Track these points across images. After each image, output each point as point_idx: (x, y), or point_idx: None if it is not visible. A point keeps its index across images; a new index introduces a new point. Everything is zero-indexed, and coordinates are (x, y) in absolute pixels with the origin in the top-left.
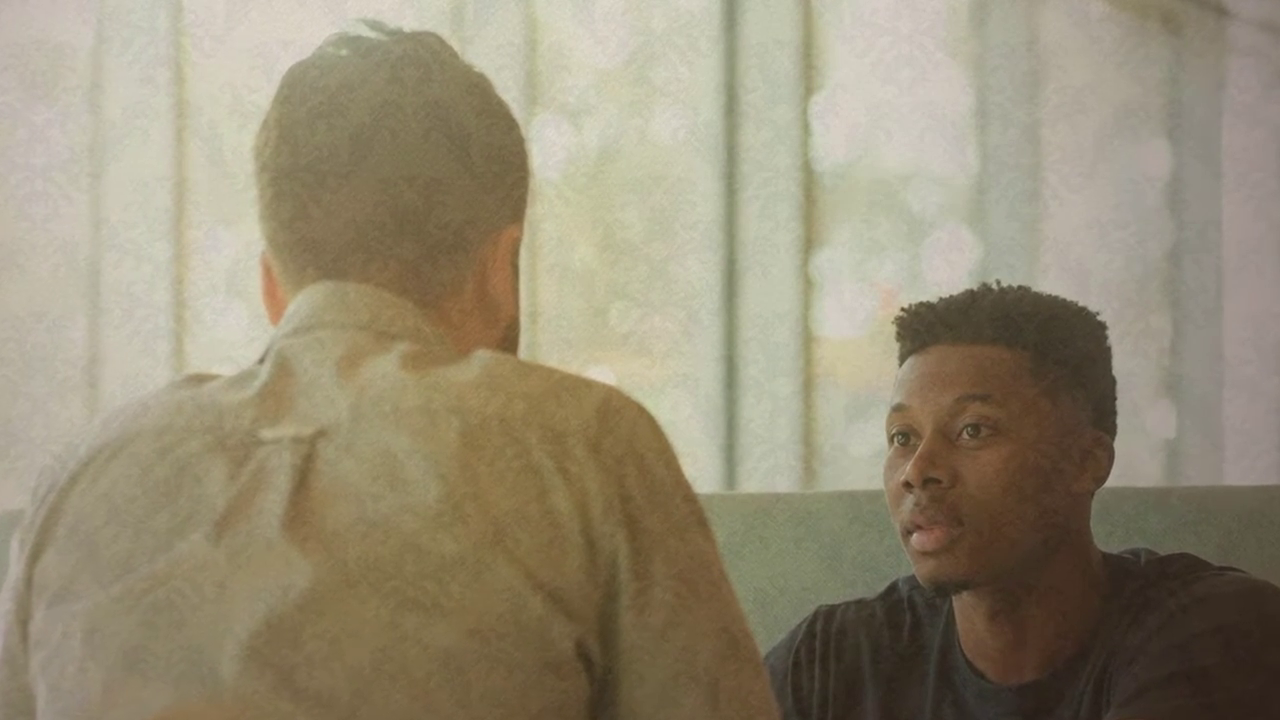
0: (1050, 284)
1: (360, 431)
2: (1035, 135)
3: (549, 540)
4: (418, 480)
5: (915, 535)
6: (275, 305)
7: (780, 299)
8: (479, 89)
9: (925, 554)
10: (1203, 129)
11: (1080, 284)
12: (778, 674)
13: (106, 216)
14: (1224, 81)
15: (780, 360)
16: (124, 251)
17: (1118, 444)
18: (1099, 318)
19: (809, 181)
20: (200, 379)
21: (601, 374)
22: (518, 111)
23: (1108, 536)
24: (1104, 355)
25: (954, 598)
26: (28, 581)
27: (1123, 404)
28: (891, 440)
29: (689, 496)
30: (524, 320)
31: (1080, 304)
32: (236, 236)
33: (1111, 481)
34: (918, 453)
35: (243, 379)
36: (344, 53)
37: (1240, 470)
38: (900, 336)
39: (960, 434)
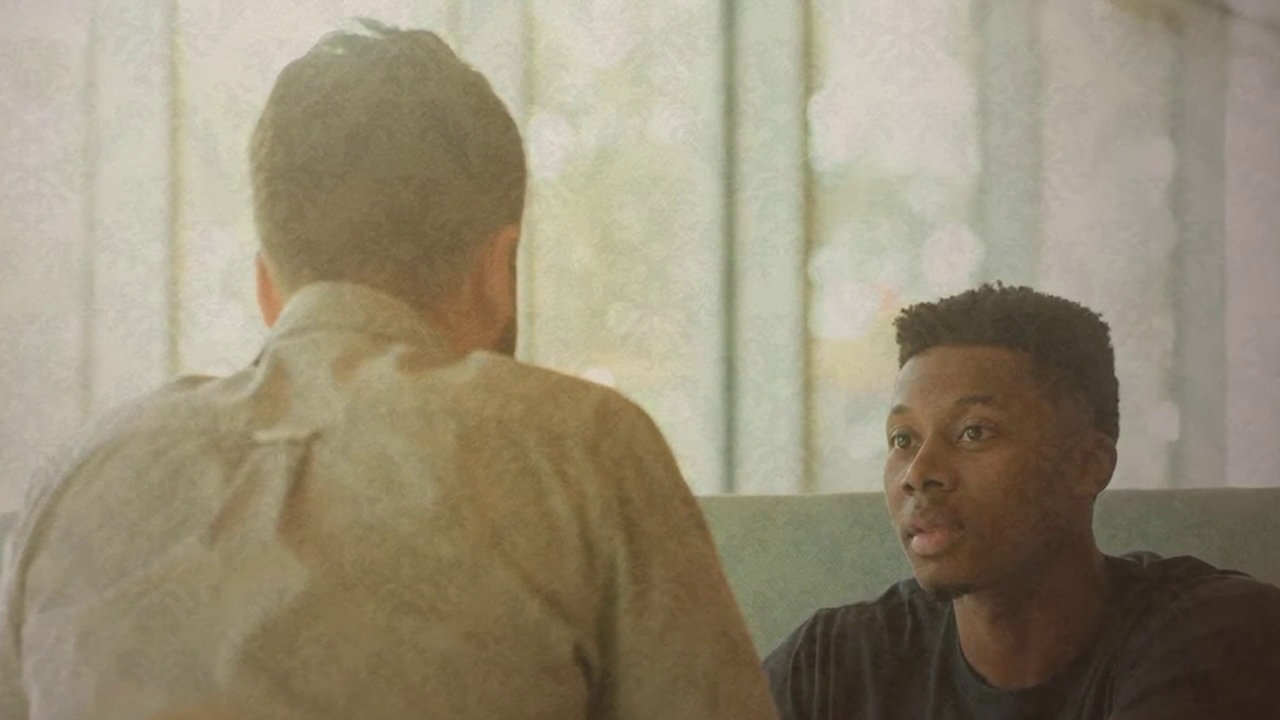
0: (1052, 285)
1: (356, 434)
2: (1037, 135)
3: (547, 543)
4: (414, 483)
5: (916, 538)
6: (270, 306)
7: (780, 300)
8: (476, 88)
9: (926, 557)
10: (1205, 129)
11: (1082, 285)
12: (777, 678)
13: (100, 217)
14: (1227, 81)
15: (780, 362)
16: (118, 252)
17: (1120, 446)
18: (1101, 319)
19: (809, 182)
20: (195, 381)
21: (599, 375)
22: (515, 111)
23: (1110, 539)
24: (1106, 357)
25: (955, 601)
26: (21, 585)
27: (1125, 406)
28: (892, 442)
29: (688, 499)
30: (521, 321)
31: (1082, 305)
32: (231, 237)
33: (1113, 484)
34: (918, 455)
35: (238, 381)
36: (340, 52)
37: (1243, 473)
38: (901, 338)
39: (961, 436)
